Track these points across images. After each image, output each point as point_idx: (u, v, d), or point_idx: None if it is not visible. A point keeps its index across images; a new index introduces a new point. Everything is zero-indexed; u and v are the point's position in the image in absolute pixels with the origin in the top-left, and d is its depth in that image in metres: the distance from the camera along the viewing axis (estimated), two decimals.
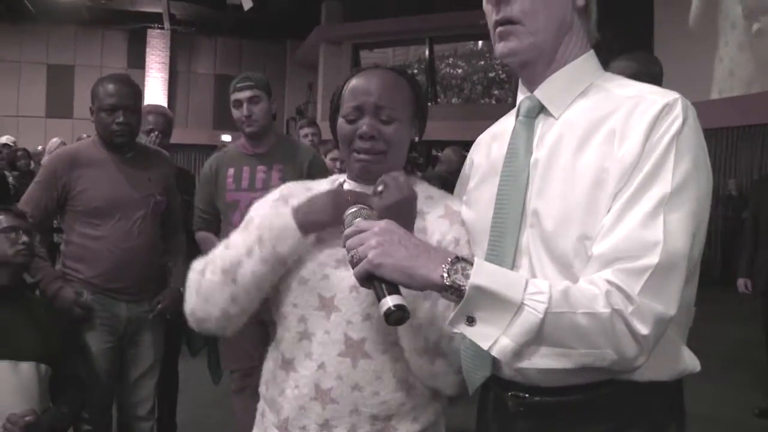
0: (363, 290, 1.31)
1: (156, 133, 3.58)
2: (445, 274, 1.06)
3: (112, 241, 2.70)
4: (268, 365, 1.53)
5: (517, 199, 1.22)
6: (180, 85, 18.25)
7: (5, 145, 8.30)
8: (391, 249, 1.10)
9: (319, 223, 1.39)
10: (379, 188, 1.33)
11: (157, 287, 2.89)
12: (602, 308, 1.04)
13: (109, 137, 2.74)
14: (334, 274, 1.39)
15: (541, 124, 1.26)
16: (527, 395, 1.22)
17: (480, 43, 15.04)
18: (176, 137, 4.24)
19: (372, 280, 1.11)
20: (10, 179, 6.29)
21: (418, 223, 1.38)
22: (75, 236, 2.74)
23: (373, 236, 1.13)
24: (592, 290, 1.06)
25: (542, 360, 1.06)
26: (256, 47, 18.56)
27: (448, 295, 1.07)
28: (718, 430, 3.96)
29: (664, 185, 1.07)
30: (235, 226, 2.97)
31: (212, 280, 1.43)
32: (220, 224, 3.10)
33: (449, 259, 1.08)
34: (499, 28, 1.24)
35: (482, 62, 15.13)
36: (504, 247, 1.22)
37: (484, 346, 1.06)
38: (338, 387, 1.37)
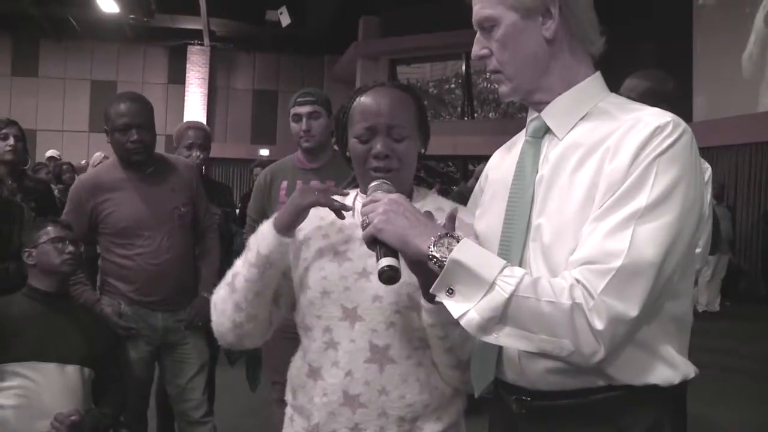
0: (385, 300, 1.42)
1: (196, 149, 3.57)
2: (432, 246, 1.17)
3: (144, 258, 2.77)
4: (294, 374, 1.59)
5: (523, 214, 1.31)
6: (219, 100, 18.50)
7: (51, 158, 8.53)
8: (394, 218, 1.22)
9: (285, 218, 1.48)
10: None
11: (193, 296, 2.94)
12: (565, 300, 1.13)
13: (126, 156, 2.79)
14: (356, 286, 1.47)
15: (546, 143, 1.35)
16: (529, 399, 1.30)
17: None
18: (215, 152, 4.29)
19: (376, 243, 1.23)
20: (56, 192, 6.46)
21: None
22: (110, 255, 2.83)
23: (383, 205, 1.24)
24: (561, 283, 1.15)
25: (505, 339, 1.16)
26: (294, 62, 18.75)
27: (432, 264, 1.17)
28: None
29: (639, 200, 1.15)
30: None
31: (220, 294, 1.56)
32: None
33: (439, 234, 1.19)
34: (492, 77, 1.38)
35: None
36: (510, 260, 1.28)
37: (455, 315, 1.16)
38: (366, 392, 1.44)
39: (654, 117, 1.21)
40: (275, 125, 18.61)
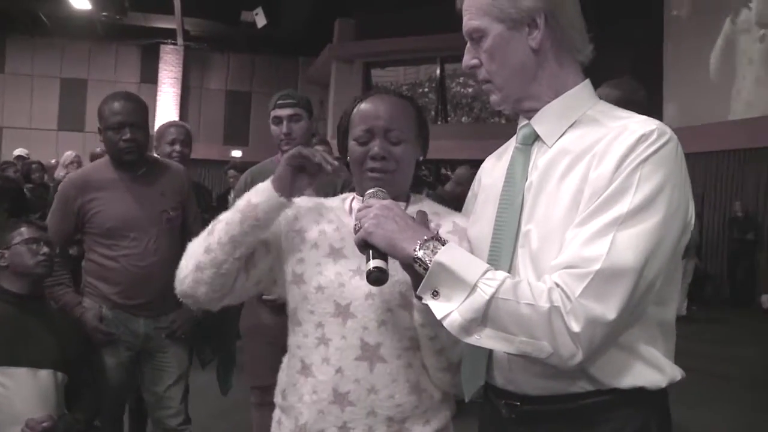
0: (378, 297, 1.45)
1: (178, 144, 3.56)
2: (417, 248, 1.21)
3: (129, 260, 2.73)
4: (285, 374, 1.60)
5: (513, 221, 1.33)
6: (192, 100, 18.37)
7: (19, 157, 8.40)
8: (384, 222, 1.26)
9: (280, 174, 1.52)
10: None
11: (176, 303, 2.90)
12: (544, 303, 1.15)
13: (117, 155, 2.75)
14: (350, 283, 1.49)
15: (536, 150, 1.37)
16: (519, 403, 1.33)
17: None
18: None
19: (366, 247, 1.28)
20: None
21: None
22: (94, 255, 2.77)
23: (374, 210, 1.29)
24: (540, 286, 1.18)
25: (487, 340, 1.19)
26: (269, 64, 18.68)
27: (418, 267, 1.21)
28: None
29: (621, 206, 1.17)
30: None
31: (196, 240, 1.57)
32: None
33: (425, 237, 1.23)
34: (483, 87, 1.41)
35: None
36: (499, 266, 1.31)
37: (439, 316, 1.20)
38: (356, 390, 1.46)
39: (640, 125, 1.23)
40: (248, 126, 18.53)
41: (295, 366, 1.54)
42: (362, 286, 1.45)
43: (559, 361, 1.17)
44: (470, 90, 15.76)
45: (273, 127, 3.05)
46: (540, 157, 1.34)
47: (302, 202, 1.63)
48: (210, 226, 1.55)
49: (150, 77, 18.00)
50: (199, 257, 1.53)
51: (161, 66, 18.11)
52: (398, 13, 14.56)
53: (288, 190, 1.52)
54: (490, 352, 1.34)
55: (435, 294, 1.20)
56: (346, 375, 1.46)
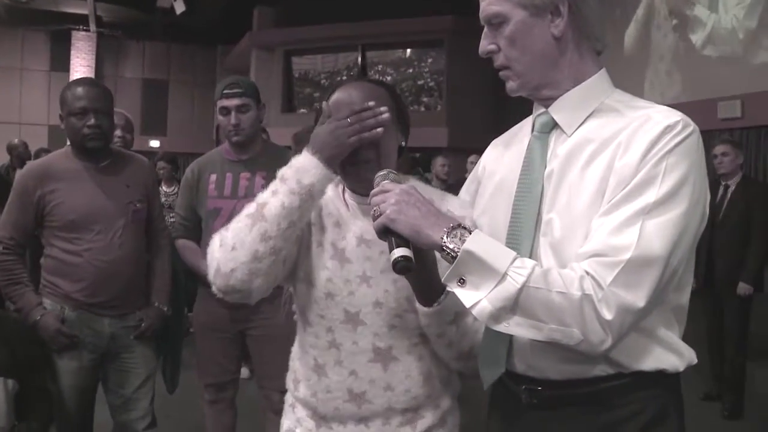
0: (386, 305, 1.45)
1: (119, 129, 3.45)
2: (445, 236, 1.22)
3: (93, 254, 2.61)
4: (298, 365, 1.59)
5: (533, 209, 1.33)
6: None
7: None
8: (406, 208, 1.25)
9: (329, 150, 1.43)
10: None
11: (142, 300, 2.81)
12: (575, 291, 1.17)
13: (80, 142, 2.63)
14: (359, 291, 1.48)
15: (554, 139, 1.37)
16: (540, 388, 1.34)
17: (409, 51, 15.20)
18: None
19: (388, 233, 1.26)
20: None
21: None
22: (55, 251, 2.64)
23: (394, 196, 1.27)
24: (570, 274, 1.19)
25: (516, 328, 1.20)
26: (186, 52, 18.23)
27: (445, 255, 1.22)
28: None
29: (648, 196, 1.19)
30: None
31: (238, 227, 1.41)
32: (201, 232, 3.02)
33: (451, 225, 1.23)
34: (500, 73, 1.39)
35: (411, 70, 15.30)
36: (520, 254, 1.30)
37: (468, 304, 1.20)
38: (371, 389, 1.49)
39: (663, 115, 1.26)
40: (166, 116, 18.06)
41: (308, 362, 1.54)
42: (369, 294, 1.47)
43: (588, 347, 1.19)
44: (389, 78, 15.81)
45: (220, 118, 2.97)
46: (559, 146, 1.35)
47: None
48: (253, 211, 1.41)
49: (61, 65, 17.20)
50: (255, 246, 1.38)
51: (73, 53, 17.36)
52: (319, 0, 14.46)
53: (335, 164, 1.45)
54: (510, 339, 1.35)
55: (461, 282, 1.21)
56: (361, 376, 1.48)
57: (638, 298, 1.17)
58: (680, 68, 9.20)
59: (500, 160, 1.50)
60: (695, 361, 1.34)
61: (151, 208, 2.87)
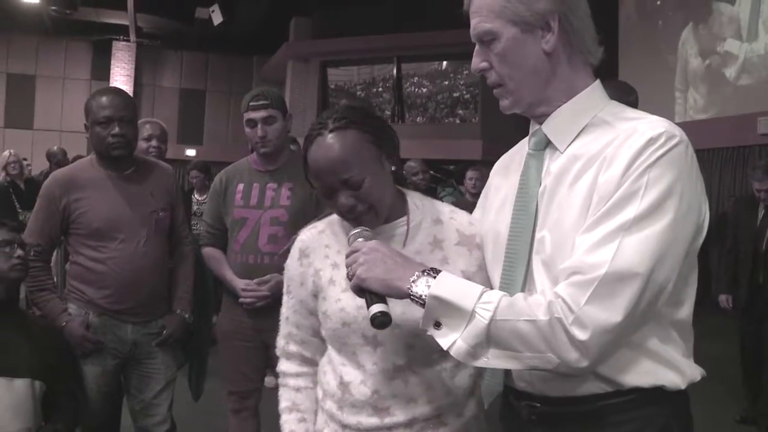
0: (403, 325, 1.46)
1: (155, 139, 3.55)
2: (411, 286, 1.26)
3: (118, 263, 2.64)
4: (324, 379, 1.61)
5: (528, 228, 1.33)
6: (145, 98, 18.01)
7: None
8: (373, 265, 1.30)
9: None
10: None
11: (165, 308, 2.84)
12: (542, 316, 1.17)
13: (105, 151, 2.66)
14: None
15: (548, 156, 1.36)
16: (539, 405, 1.34)
17: (444, 63, 15.19)
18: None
19: (363, 292, 1.31)
20: None
21: (436, 254, 1.51)
22: (80, 258, 2.67)
23: (361, 255, 1.32)
24: (539, 300, 1.20)
25: (495, 360, 1.22)
26: (223, 62, 18.47)
27: (416, 303, 1.25)
28: None
29: (628, 212, 1.17)
30: (241, 243, 2.93)
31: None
32: (227, 240, 3.02)
33: (416, 273, 1.26)
34: (494, 91, 1.39)
35: (446, 82, 15.28)
36: (515, 275, 1.33)
37: (445, 346, 1.23)
38: (395, 404, 1.50)
39: (649, 126, 1.23)
40: (202, 125, 18.29)
41: (335, 378, 1.56)
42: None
43: (567, 369, 1.19)
44: (424, 90, 15.81)
45: (247, 129, 2.98)
46: (553, 163, 1.34)
47: (306, 236, 1.62)
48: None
49: (102, 74, 17.54)
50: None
51: (113, 63, 17.70)
52: (355, 11, 14.52)
53: None
54: None
55: (437, 325, 1.24)
56: (383, 395, 1.50)
57: (614, 315, 1.15)
58: (720, 83, 9.07)
59: (505, 176, 1.49)
60: (698, 377, 1.31)
61: (174, 215, 2.89)
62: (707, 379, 1.32)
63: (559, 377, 1.26)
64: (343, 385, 1.53)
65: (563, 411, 1.31)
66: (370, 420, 1.51)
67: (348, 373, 1.53)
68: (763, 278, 4.63)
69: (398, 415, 1.49)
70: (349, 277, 1.33)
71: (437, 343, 1.32)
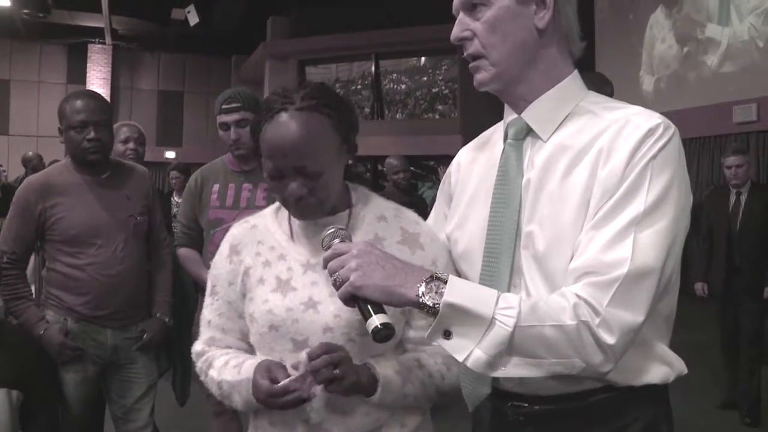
0: (337, 330, 1.36)
1: (132, 142, 3.54)
2: (420, 293, 1.13)
3: (96, 269, 2.60)
4: None
5: (511, 221, 1.27)
6: (122, 101, 17.86)
7: None
8: (369, 270, 1.16)
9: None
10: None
11: (144, 312, 2.81)
12: (569, 320, 1.11)
13: (81, 156, 2.62)
14: (303, 318, 1.39)
15: (529, 146, 1.30)
16: (527, 404, 1.28)
17: (423, 59, 15.21)
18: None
19: (356, 301, 1.17)
20: None
21: None
22: (57, 265, 2.64)
23: (352, 258, 1.18)
24: (561, 303, 1.13)
25: (515, 369, 1.13)
26: (201, 63, 18.36)
27: (425, 312, 1.14)
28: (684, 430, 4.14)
29: (636, 206, 1.14)
30: (216, 245, 2.93)
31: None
32: (202, 241, 3.01)
33: (424, 279, 1.14)
34: (470, 64, 1.31)
35: (425, 78, 15.30)
36: (499, 268, 1.27)
37: (460, 358, 1.13)
38: (329, 417, 1.38)
39: (644, 118, 1.20)
40: (181, 127, 18.18)
41: None
42: (317, 320, 1.37)
43: (591, 372, 1.15)
44: (403, 86, 15.82)
45: (221, 132, 2.98)
46: (536, 154, 1.28)
47: (237, 230, 1.53)
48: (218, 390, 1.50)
49: (78, 78, 17.35)
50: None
51: (89, 66, 17.54)
52: (332, 10, 14.48)
53: None
54: None
55: (447, 335, 1.13)
56: (316, 407, 1.37)
57: (637, 314, 1.12)
58: (695, 73, 9.13)
59: (472, 170, 1.43)
60: (685, 371, 1.29)
61: (152, 219, 2.86)
62: (687, 367, 1.31)
63: (553, 377, 1.21)
64: None
65: (553, 409, 1.26)
66: None
67: None
68: (739, 260, 4.70)
69: (333, 430, 1.37)
70: (337, 286, 1.19)
71: (375, 347, 1.26)
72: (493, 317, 1.11)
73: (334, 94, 1.42)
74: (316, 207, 1.38)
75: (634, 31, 10.33)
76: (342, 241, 1.26)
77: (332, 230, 1.29)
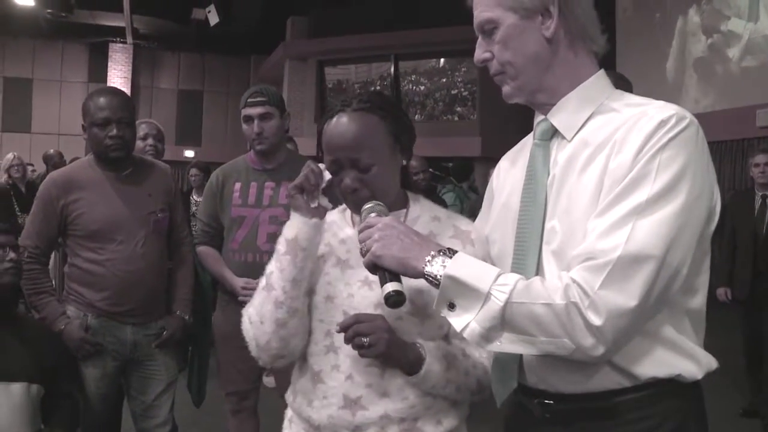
0: (386, 307, 1.39)
1: (151, 138, 3.55)
2: (426, 265, 1.23)
3: (116, 264, 2.61)
4: (296, 376, 1.59)
5: (537, 218, 1.31)
6: (142, 100, 18.00)
7: None
8: (389, 242, 1.27)
9: (296, 204, 1.49)
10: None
11: (164, 309, 2.81)
12: (559, 300, 1.15)
13: (103, 153, 2.64)
14: (359, 293, 1.49)
15: (556, 145, 1.35)
16: (552, 402, 1.31)
17: (442, 60, 15.18)
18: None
19: (377, 269, 1.29)
20: None
21: None
22: (78, 260, 2.65)
23: (377, 231, 1.30)
24: (555, 284, 1.18)
25: (508, 345, 1.20)
26: (220, 62, 18.47)
27: (430, 283, 1.24)
28: None
29: (640, 195, 1.16)
30: (239, 242, 2.92)
31: (257, 302, 1.52)
32: (222, 239, 3.01)
33: (432, 253, 1.24)
34: (495, 78, 1.38)
35: (444, 79, 15.27)
36: (526, 265, 1.30)
37: (458, 328, 1.21)
38: (368, 395, 1.46)
39: (658, 110, 1.22)
40: (200, 126, 18.30)
41: (306, 373, 1.54)
42: (370, 296, 1.46)
43: (582, 355, 1.17)
44: (422, 88, 15.81)
45: (244, 126, 2.97)
46: (560, 152, 1.33)
47: (330, 214, 1.60)
48: (264, 283, 1.51)
49: (99, 77, 17.52)
50: (274, 315, 1.48)
51: (110, 65, 17.71)
52: (351, 10, 14.51)
53: (312, 212, 1.49)
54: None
55: (452, 306, 1.22)
56: (357, 381, 1.46)
57: (629, 298, 1.13)
58: (718, 76, 9.04)
59: (509, 173, 1.49)
60: (714, 366, 1.29)
61: (173, 216, 2.86)
62: (709, 372, 1.29)
63: (573, 371, 1.24)
64: (315, 374, 1.50)
65: (577, 408, 1.28)
66: (341, 414, 1.45)
67: (318, 362, 1.50)
68: (764, 265, 4.61)
69: (370, 410, 1.44)
70: (363, 253, 1.30)
71: (426, 329, 1.34)
72: (489, 292, 1.18)
73: (389, 100, 1.57)
74: (364, 198, 1.46)
75: (660, 31, 10.24)
76: (378, 215, 1.37)
77: (370, 205, 1.42)
